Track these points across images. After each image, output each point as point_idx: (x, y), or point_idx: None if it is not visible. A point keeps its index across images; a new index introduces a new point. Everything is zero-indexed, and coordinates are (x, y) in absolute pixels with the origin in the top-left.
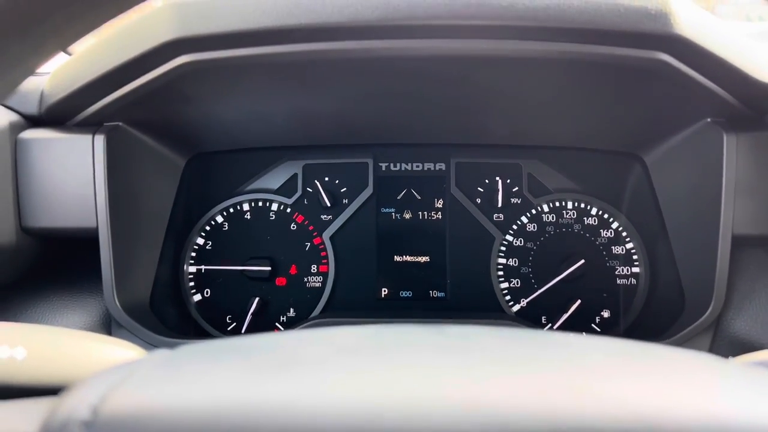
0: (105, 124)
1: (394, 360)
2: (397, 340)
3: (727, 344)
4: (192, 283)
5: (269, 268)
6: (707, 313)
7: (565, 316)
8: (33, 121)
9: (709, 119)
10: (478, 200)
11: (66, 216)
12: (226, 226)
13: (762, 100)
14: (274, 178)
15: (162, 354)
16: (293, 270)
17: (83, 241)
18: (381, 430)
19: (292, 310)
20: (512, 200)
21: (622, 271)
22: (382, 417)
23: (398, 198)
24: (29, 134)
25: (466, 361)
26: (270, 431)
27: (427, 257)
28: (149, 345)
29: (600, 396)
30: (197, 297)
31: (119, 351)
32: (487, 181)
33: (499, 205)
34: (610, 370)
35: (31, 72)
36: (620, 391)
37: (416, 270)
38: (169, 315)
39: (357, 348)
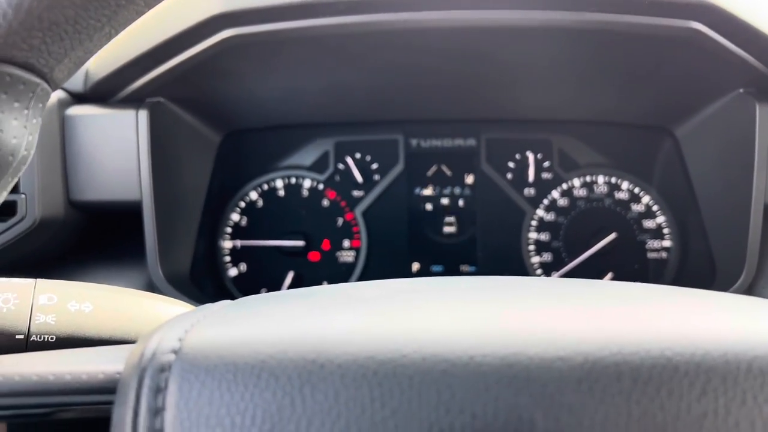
0: (147, 100)
1: (455, 296)
2: (456, 284)
3: None
4: (228, 258)
5: (303, 243)
6: (738, 283)
7: None
8: (78, 98)
9: (741, 90)
10: (509, 176)
11: (111, 189)
12: (260, 202)
13: None
14: (307, 155)
15: (228, 302)
16: (326, 245)
17: (126, 215)
18: (450, 353)
19: (325, 283)
20: (543, 175)
21: (653, 245)
22: (451, 342)
23: (429, 174)
24: (75, 111)
25: (526, 295)
26: (349, 352)
27: (458, 232)
28: None
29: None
30: (233, 271)
31: (178, 308)
32: (517, 156)
33: (530, 180)
34: (660, 305)
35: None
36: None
37: (447, 245)
38: (208, 287)
39: (416, 289)
